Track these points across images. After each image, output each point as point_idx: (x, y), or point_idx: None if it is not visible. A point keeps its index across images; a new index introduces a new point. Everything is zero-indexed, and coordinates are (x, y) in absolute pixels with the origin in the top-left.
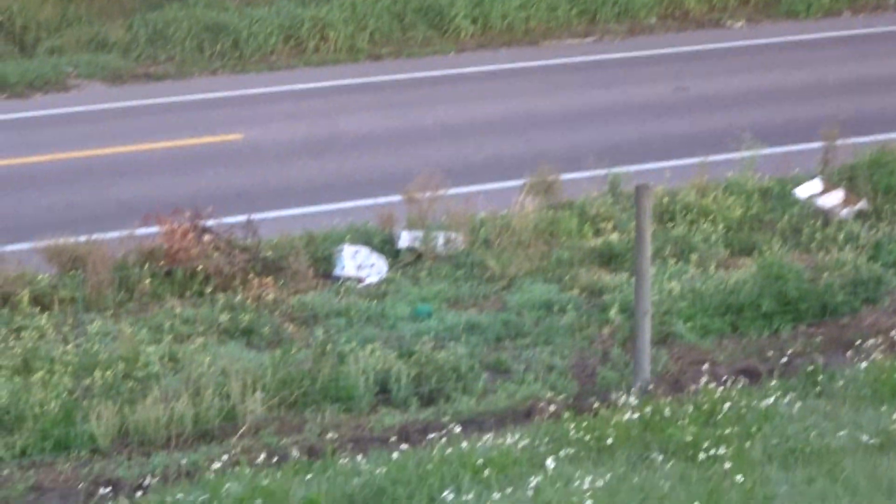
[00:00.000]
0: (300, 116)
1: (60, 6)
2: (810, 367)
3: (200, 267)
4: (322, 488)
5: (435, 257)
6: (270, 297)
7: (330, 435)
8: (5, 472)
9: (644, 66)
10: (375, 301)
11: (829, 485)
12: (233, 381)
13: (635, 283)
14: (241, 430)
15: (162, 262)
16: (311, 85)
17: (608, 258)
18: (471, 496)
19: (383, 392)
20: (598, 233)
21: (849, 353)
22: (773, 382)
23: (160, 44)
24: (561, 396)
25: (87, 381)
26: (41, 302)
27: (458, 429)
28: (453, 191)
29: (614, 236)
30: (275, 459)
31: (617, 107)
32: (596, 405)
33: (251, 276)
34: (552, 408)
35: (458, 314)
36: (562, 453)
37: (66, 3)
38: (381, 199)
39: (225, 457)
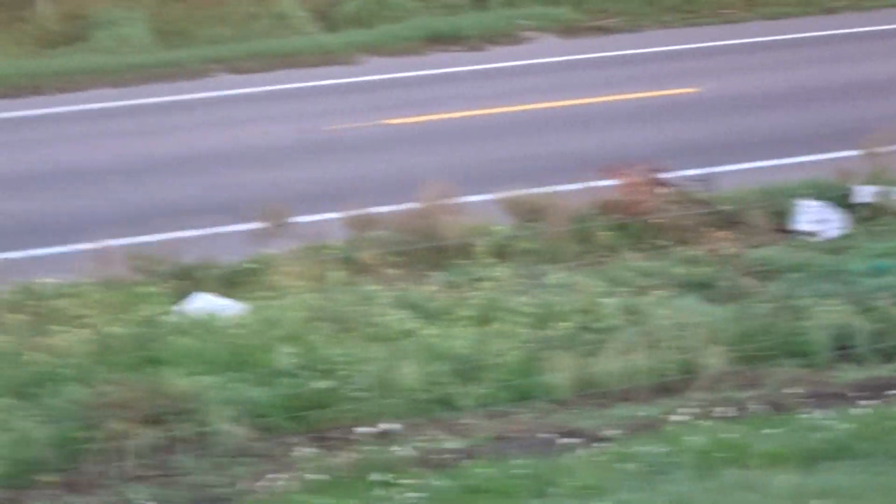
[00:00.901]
0: (755, 69)
1: None
2: None
3: (657, 220)
4: (782, 442)
5: (894, 213)
6: (727, 250)
7: (789, 389)
8: (469, 420)
9: None
10: (832, 256)
11: None
12: (690, 334)
13: None
14: (700, 383)
15: (618, 215)
16: (765, 38)
17: None
18: None
19: (842, 348)
20: None
21: None
22: None
23: None
24: None
25: (545, 333)
26: (500, 253)
27: None
28: None
29: None
30: (734, 413)
31: None
32: None
33: (708, 229)
34: None
35: None
36: None
37: None
38: (838, 154)
39: (683, 409)
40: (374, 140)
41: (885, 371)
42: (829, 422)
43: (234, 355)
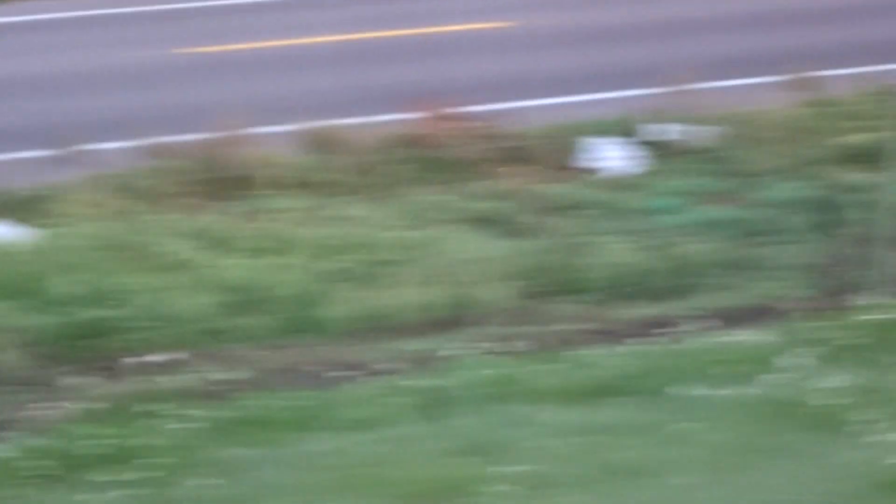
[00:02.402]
0: (565, 6)
1: None
2: None
3: (448, 154)
4: (551, 379)
5: (682, 152)
6: (515, 186)
7: (564, 326)
8: (243, 352)
9: None
10: (618, 193)
11: None
12: (474, 269)
13: (885, 182)
14: (477, 319)
15: (411, 149)
16: None
17: (860, 157)
18: (697, 391)
19: (619, 286)
20: (852, 131)
21: None
22: None
23: None
24: (801, 295)
25: (326, 266)
26: (290, 185)
27: (689, 325)
28: (704, 85)
29: (869, 135)
30: (508, 349)
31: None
32: (838, 305)
33: (501, 165)
34: (790, 306)
35: (701, 210)
36: (797, 352)
37: None
38: (632, 92)
39: (457, 344)
40: (166, 70)
41: (657, 309)
42: (598, 359)
43: (14, 282)
